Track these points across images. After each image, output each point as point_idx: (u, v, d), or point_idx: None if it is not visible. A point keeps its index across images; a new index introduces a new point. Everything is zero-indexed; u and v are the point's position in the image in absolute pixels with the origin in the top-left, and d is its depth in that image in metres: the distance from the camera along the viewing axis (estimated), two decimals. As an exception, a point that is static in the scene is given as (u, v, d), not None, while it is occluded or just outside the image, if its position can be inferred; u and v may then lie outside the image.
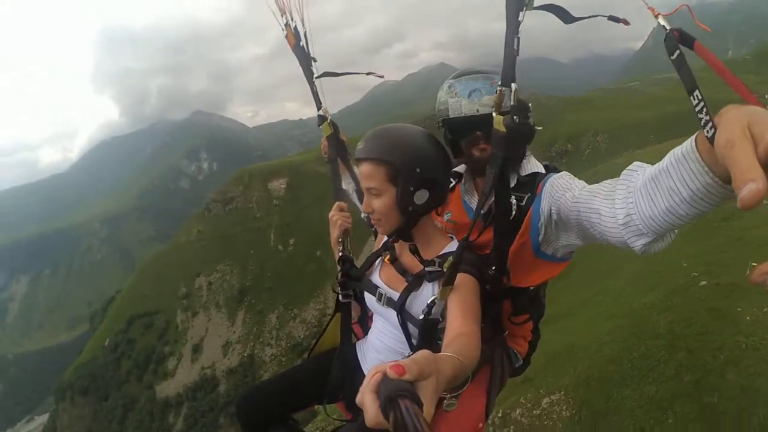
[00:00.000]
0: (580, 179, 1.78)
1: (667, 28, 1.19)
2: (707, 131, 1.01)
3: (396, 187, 1.79)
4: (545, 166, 2.03)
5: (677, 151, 1.14)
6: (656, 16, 1.24)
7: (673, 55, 1.17)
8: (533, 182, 1.90)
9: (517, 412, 8.00)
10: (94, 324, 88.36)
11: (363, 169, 1.82)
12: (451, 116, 1.98)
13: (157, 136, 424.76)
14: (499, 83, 1.59)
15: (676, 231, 1.33)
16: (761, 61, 69.61)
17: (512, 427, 7.81)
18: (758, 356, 5.52)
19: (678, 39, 1.17)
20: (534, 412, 8.08)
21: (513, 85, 1.57)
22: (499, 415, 8.11)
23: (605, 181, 1.52)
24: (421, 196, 1.81)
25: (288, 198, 68.92)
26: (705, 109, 1.04)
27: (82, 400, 66.43)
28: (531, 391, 7.77)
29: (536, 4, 1.49)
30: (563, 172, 1.90)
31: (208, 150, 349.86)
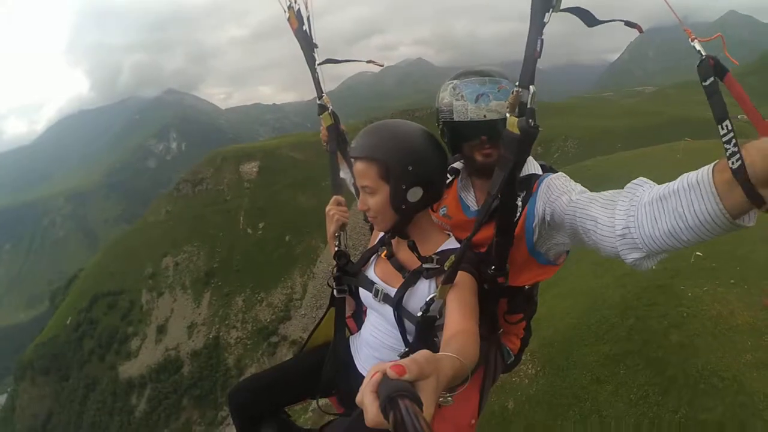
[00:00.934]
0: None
1: (703, 54, 1.19)
2: (733, 162, 1.02)
3: (389, 185, 1.80)
4: (542, 166, 2.04)
5: (691, 177, 1.16)
6: (692, 41, 1.23)
7: (705, 81, 1.15)
8: (529, 181, 1.90)
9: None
10: (55, 302, 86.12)
11: (357, 167, 1.83)
12: (455, 119, 1.92)
13: (126, 112, 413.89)
14: (516, 85, 1.57)
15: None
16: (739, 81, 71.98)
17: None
18: (697, 322, 6.60)
19: (712, 67, 1.16)
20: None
21: (531, 88, 1.56)
22: None
23: (605, 191, 1.56)
24: (415, 194, 1.82)
25: (259, 182, 68.04)
26: (734, 141, 1.03)
27: (42, 380, 64.95)
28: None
29: (563, 6, 1.50)
30: (559, 173, 1.93)
31: (178, 130, 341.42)
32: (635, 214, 1.33)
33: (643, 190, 1.36)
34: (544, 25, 1.48)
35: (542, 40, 1.50)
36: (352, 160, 1.86)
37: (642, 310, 7.44)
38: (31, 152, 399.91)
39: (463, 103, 1.87)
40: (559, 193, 1.74)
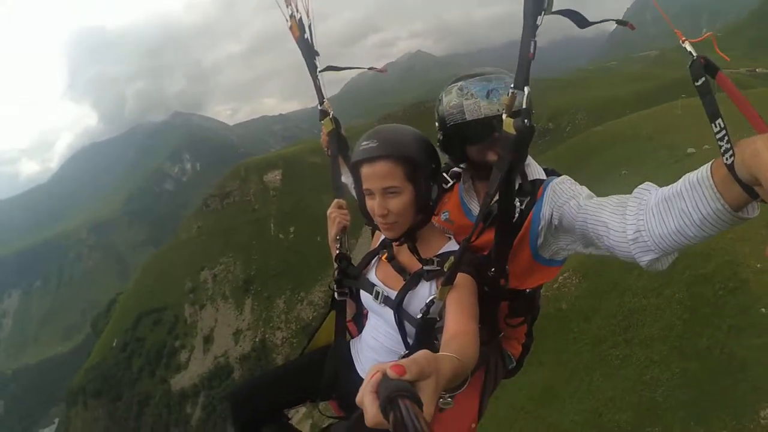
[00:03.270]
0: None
1: (694, 54, 1.21)
2: (727, 159, 1.07)
3: (414, 185, 1.77)
4: (545, 170, 2.01)
5: (692, 176, 1.21)
6: (683, 42, 1.24)
7: (697, 81, 1.18)
8: (533, 187, 1.89)
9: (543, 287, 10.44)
10: (97, 328, 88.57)
11: (378, 169, 1.75)
12: (468, 119, 1.89)
13: (137, 139, 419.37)
14: (511, 86, 1.61)
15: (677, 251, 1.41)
16: (732, 38, 71.79)
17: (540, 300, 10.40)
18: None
19: (703, 66, 1.19)
20: (553, 285, 10.26)
21: (526, 89, 1.58)
22: None
23: (612, 196, 1.58)
24: (435, 192, 1.84)
25: (284, 189, 70.44)
26: (726, 137, 1.08)
27: (95, 403, 67.02)
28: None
29: (554, 9, 1.51)
30: (564, 177, 1.91)
31: (190, 150, 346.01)
32: (644, 217, 1.37)
33: (649, 194, 1.40)
34: (536, 27, 1.51)
35: (536, 42, 1.53)
36: (364, 163, 1.78)
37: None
38: (47, 190, 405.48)
39: (474, 101, 1.87)
40: (567, 198, 1.75)
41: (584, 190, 1.77)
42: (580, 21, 1.52)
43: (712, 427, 5.23)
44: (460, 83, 1.93)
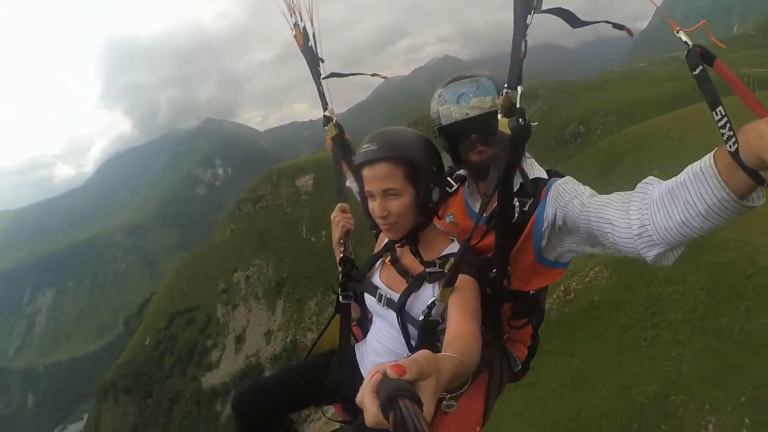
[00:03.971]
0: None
1: (690, 44, 1.20)
2: (730, 146, 1.05)
3: (414, 187, 1.78)
4: (547, 171, 2.01)
5: (695, 166, 1.21)
6: (677, 32, 1.24)
7: (695, 70, 1.18)
8: (536, 188, 1.88)
9: (574, 281, 10.78)
10: (130, 327, 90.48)
11: (378, 171, 1.77)
12: (443, 124, 1.96)
13: (169, 145, 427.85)
14: (505, 86, 1.62)
15: (684, 245, 1.39)
16: (766, 35, 70.38)
17: (572, 294, 10.63)
18: None
19: (700, 55, 1.18)
20: (585, 279, 10.72)
21: (519, 88, 1.58)
22: (562, 289, 10.86)
23: (616, 193, 1.58)
24: (436, 194, 1.84)
25: (316, 193, 71.31)
26: (729, 125, 1.07)
27: (125, 399, 68.31)
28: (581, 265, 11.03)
29: (544, 7, 1.51)
30: (567, 177, 1.91)
31: (222, 156, 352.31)
32: (649, 211, 1.37)
33: (653, 188, 1.40)
34: (527, 26, 1.52)
35: (526, 42, 1.54)
36: (366, 165, 1.81)
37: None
38: (82, 193, 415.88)
39: (447, 106, 1.92)
40: (570, 198, 1.75)
41: (587, 190, 1.79)
42: (573, 20, 1.52)
43: (732, 395, 5.68)
44: (440, 90, 2.01)
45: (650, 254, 1.39)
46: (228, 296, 67.05)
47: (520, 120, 1.59)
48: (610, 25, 1.53)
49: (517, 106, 1.59)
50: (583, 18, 1.51)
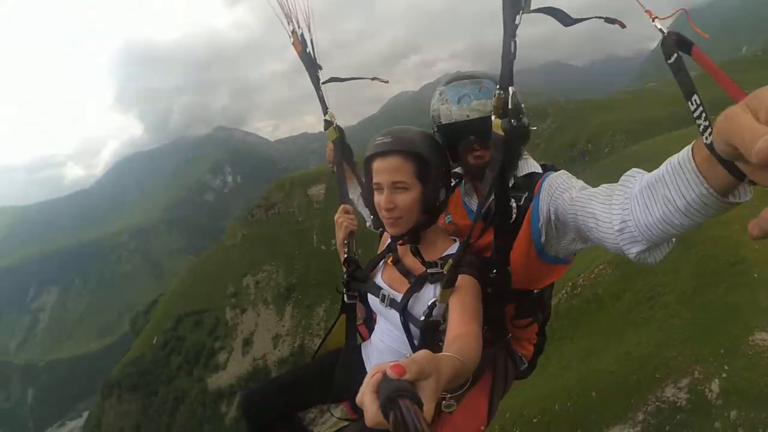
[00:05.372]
0: (587, 175, 1.76)
1: (664, 31, 1.17)
2: (706, 138, 0.98)
3: (423, 183, 1.81)
4: (543, 166, 2.01)
5: (673, 159, 1.12)
6: (653, 20, 1.23)
7: (670, 59, 1.13)
8: (530, 182, 1.89)
9: (581, 278, 12.39)
10: (136, 327, 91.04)
11: (388, 163, 1.80)
12: (443, 122, 1.96)
13: (180, 151, 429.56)
14: (497, 87, 1.61)
15: (673, 241, 1.34)
16: None
17: (579, 289, 12.18)
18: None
19: (675, 43, 1.13)
20: (591, 276, 12.25)
21: (511, 89, 1.58)
22: (569, 285, 12.41)
23: (603, 185, 1.55)
24: (443, 194, 1.88)
25: (328, 202, 72.24)
26: (704, 115, 1.00)
27: (129, 396, 68.62)
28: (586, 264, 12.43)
29: (533, 6, 1.50)
30: (561, 171, 1.90)
31: (232, 164, 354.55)
32: (629, 206, 1.32)
33: (635, 180, 1.35)
34: (516, 27, 1.51)
35: (516, 42, 1.53)
36: (377, 157, 1.83)
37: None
38: (91, 194, 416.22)
39: (447, 106, 1.93)
40: (561, 191, 1.74)
41: (579, 183, 1.77)
42: (564, 19, 1.49)
43: (713, 349, 6.92)
44: (442, 88, 2.01)
45: (632, 251, 1.38)
46: (237, 300, 67.74)
47: (513, 121, 1.60)
48: (568, 22, 1.50)
49: (509, 106, 1.60)
50: (574, 17, 1.48)
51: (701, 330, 7.71)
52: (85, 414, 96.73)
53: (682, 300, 9.07)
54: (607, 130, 56.27)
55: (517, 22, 1.50)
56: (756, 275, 8.34)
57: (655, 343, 8.14)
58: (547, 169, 1.99)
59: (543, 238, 1.83)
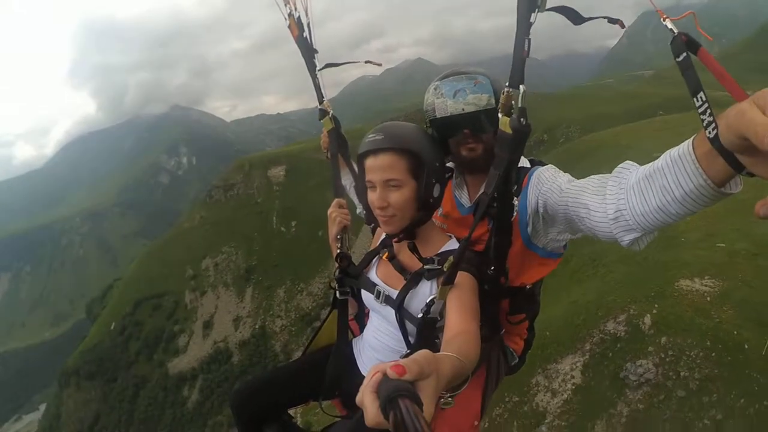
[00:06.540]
0: (564, 171, 1.89)
1: (675, 31, 1.20)
2: (709, 132, 1.02)
3: (416, 180, 1.79)
4: (530, 161, 2.04)
5: (673, 152, 1.18)
6: (664, 20, 1.25)
7: (679, 57, 1.16)
8: (518, 176, 1.88)
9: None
10: (92, 313, 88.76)
11: (381, 161, 1.78)
12: (438, 116, 1.95)
13: (135, 131, 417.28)
14: (506, 85, 1.61)
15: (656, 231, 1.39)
16: (731, 60, 74.43)
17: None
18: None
19: (684, 43, 1.16)
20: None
21: (522, 87, 1.58)
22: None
23: (593, 177, 1.59)
24: (437, 191, 1.84)
25: (288, 184, 72.07)
26: (709, 111, 1.03)
27: (88, 384, 67.42)
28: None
29: (548, 5, 1.51)
30: (549, 165, 1.95)
31: (188, 145, 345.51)
32: (625, 196, 1.35)
33: (629, 172, 1.39)
34: (530, 25, 1.52)
35: (530, 40, 1.54)
36: (369, 154, 1.82)
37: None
38: (42, 176, 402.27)
39: (443, 100, 1.92)
40: (550, 184, 1.77)
41: (566, 176, 1.81)
42: (576, 18, 1.52)
43: (647, 292, 8.26)
44: (437, 83, 1.99)
45: (626, 239, 1.41)
46: (196, 282, 67.05)
47: (522, 120, 1.60)
48: (579, 21, 1.54)
49: (519, 105, 1.61)
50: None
51: (636, 280, 9.09)
52: (42, 406, 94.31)
53: (622, 259, 10.39)
54: (563, 122, 58.04)
55: (532, 20, 1.51)
56: (683, 239, 9.94)
57: (597, 291, 9.51)
58: (534, 163, 2.03)
59: (530, 229, 1.88)
